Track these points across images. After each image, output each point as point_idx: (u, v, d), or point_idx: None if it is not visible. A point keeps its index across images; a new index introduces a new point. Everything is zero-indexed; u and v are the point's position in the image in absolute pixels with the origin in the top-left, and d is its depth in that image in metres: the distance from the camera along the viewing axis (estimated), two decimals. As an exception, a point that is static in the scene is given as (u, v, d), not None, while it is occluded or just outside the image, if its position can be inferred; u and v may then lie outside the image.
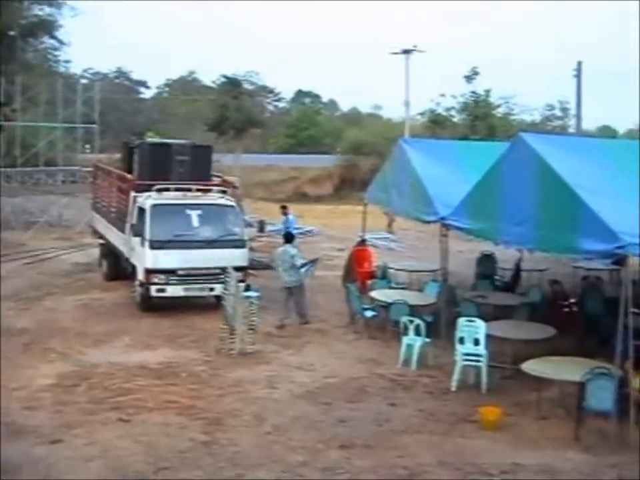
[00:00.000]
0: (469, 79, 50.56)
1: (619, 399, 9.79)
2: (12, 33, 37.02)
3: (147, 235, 16.78)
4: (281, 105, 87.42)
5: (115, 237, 19.83)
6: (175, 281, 16.76)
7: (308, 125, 78.31)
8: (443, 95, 52.37)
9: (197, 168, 19.36)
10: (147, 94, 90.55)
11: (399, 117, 59.01)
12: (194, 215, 17.38)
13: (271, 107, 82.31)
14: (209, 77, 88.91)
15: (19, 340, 14.68)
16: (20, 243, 26.76)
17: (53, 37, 42.37)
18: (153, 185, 17.79)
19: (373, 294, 16.32)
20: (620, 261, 10.06)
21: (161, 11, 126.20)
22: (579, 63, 42.16)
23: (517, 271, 19.51)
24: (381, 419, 10.93)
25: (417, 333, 13.52)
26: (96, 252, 22.61)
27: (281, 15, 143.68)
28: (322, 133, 77.82)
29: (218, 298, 16.18)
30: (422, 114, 55.49)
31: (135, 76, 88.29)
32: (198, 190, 18.07)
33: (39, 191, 35.73)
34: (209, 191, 18.36)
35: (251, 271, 18.52)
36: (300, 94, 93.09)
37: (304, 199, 50.07)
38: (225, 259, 16.36)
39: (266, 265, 22.47)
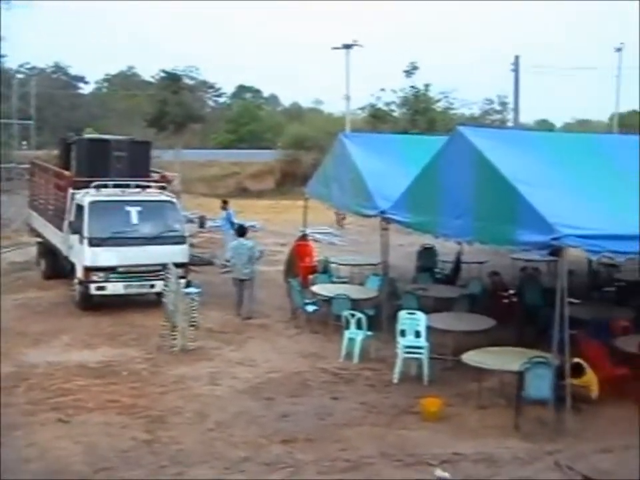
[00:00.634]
0: (408, 73, 50.83)
1: (556, 387, 9.95)
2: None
3: (86, 233, 16.56)
4: (221, 100, 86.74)
5: (53, 235, 19.51)
6: (114, 279, 16.57)
7: (249, 120, 77.80)
8: (383, 90, 52.61)
9: (135, 164, 19.16)
10: (86, 89, 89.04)
11: (340, 111, 59.27)
12: (133, 211, 17.18)
13: (211, 102, 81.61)
14: (149, 72, 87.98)
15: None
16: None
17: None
18: (91, 181, 17.54)
19: (315, 288, 16.35)
20: (556, 252, 10.20)
21: (100, 5, 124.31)
22: (517, 58, 42.88)
23: (457, 263, 19.73)
24: (323, 413, 10.95)
25: (359, 326, 13.59)
26: (33, 250, 22.21)
27: (220, 9, 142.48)
28: (263, 127, 77.42)
29: (159, 295, 16.03)
30: (362, 108, 55.73)
31: (74, 71, 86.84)
32: (137, 186, 17.89)
33: (-26, 189, 34.99)
34: (148, 187, 18.18)
35: (192, 267, 18.44)
36: (241, 89, 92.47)
37: (245, 194, 49.85)
38: (165, 255, 16.24)
39: (207, 261, 22.45)
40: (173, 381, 12.32)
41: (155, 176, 19.99)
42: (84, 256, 16.60)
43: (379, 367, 13.07)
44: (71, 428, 10.27)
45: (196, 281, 16.99)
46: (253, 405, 11.34)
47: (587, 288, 17.24)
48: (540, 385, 10.11)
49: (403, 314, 12.81)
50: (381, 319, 14.43)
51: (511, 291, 16.71)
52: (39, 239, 21.60)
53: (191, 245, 19.55)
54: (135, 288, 16.92)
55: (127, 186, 17.76)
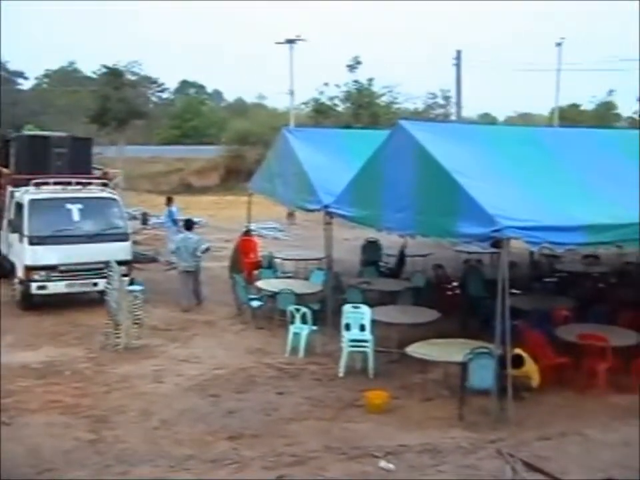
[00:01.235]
0: (351, 68, 51.07)
1: (498, 377, 10.08)
2: None
3: (26, 231, 16.32)
4: (164, 95, 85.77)
5: (-8, 234, 19.18)
6: (56, 278, 16.35)
7: (192, 115, 77.30)
8: (326, 85, 52.75)
9: (76, 161, 18.98)
10: (26, 85, 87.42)
11: (284, 106, 59.29)
12: (74, 209, 16.96)
13: (154, 98, 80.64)
14: (90, 67, 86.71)
15: None
16: None
17: None
18: (31, 179, 17.29)
19: (259, 284, 16.32)
20: (498, 243, 10.32)
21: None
22: (459, 53, 43.24)
23: (401, 256, 19.87)
24: (269, 408, 10.94)
25: (304, 321, 13.60)
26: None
27: (164, 4, 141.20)
28: (207, 123, 77.03)
29: (102, 293, 15.79)
30: (306, 103, 55.73)
31: (12, 66, 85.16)
32: (78, 183, 17.65)
33: None
34: (89, 184, 17.96)
35: (135, 265, 18.31)
36: (184, 84, 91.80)
37: (190, 191, 49.62)
38: (107, 253, 16.05)
39: (151, 258, 22.30)
40: (117, 380, 12.18)
41: (97, 173, 19.79)
42: (24, 255, 16.35)
43: (324, 361, 13.10)
44: (14, 430, 10.06)
45: (139, 278, 16.87)
46: (198, 402, 11.27)
47: (528, 279, 17.51)
48: (483, 375, 10.23)
49: (347, 308, 12.86)
50: (325, 314, 14.47)
51: (455, 283, 16.90)
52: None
53: (134, 242, 19.42)
54: (77, 286, 16.70)
55: (68, 183, 17.51)
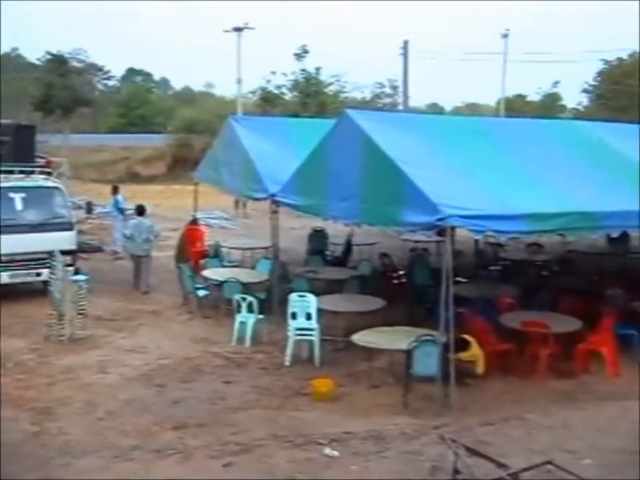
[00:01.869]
0: (299, 57, 51.05)
1: (442, 363, 10.19)
2: None
3: (-34, 221, 15.99)
4: (111, 83, 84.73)
5: None
6: (-2, 268, 16.09)
7: (139, 104, 76.53)
8: (273, 73, 52.64)
9: (20, 149, 18.63)
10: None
11: (232, 95, 58.92)
12: (17, 198, 16.65)
13: (100, 86, 79.65)
14: (34, 54, 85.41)
15: None
16: None
17: None
18: (-28, 167, 16.95)
19: (206, 273, 16.27)
20: (443, 232, 10.41)
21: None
22: (406, 43, 43.50)
23: (348, 245, 19.96)
24: (216, 398, 10.91)
25: (250, 310, 13.58)
26: None
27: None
28: (154, 111, 76.33)
29: (45, 283, 15.62)
30: (253, 92, 55.57)
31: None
32: (21, 172, 17.34)
33: None
34: (32, 172, 17.68)
35: (80, 254, 18.11)
36: (131, 72, 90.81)
37: (136, 180, 49.12)
38: (51, 242, 15.85)
39: (97, 248, 22.07)
40: (61, 371, 12.02)
41: (41, 161, 19.48)
42: (-35, 245, 16.04)
43: (270, 350, 13.10)
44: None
45: (84, 268, 16.67)
46: (144, 392, 11.19)
47: (473, 267, 17.70)
48: (427, 362, 10.33)
49: (293, 296, 12.87)
50: (272, 302, 14.46)
51: (401, 272, 17.01)
52: None
53: (79, 232, 19.17)
54: (21, 277, 16.45)
55: (11, 172, 17.18)
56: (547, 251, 20.54)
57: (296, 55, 51.10)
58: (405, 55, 43.38)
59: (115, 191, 23.40)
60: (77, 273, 15.18)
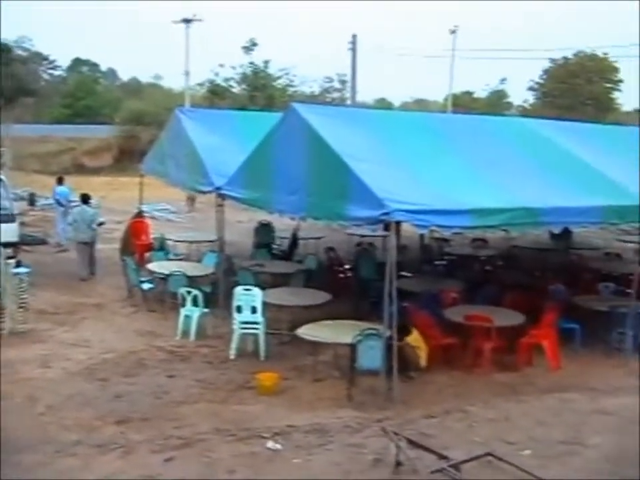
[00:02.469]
0: (247, 50, 50.87)
1: (386, 357, 10.25)
2: None
3: None
4: (56, 73, 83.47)
5: None
6: (-64, 260, 15.73)
7: (85, 94, 75.36)
8: (222, 66, 52.36)
9: (-41, 139, 18.32)
10: None
11: (179, 87, 58.56)
12: (-44, 189, 16.40)
13: (45, 76, 78.43)
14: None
15: None
16: None
17: None
18: None
19: (151, 266, 16.14)
20: (388, 226, 10.46)
21: None
22: (354, 37, 43.61)
23: (294, 239, 19.97)
24: (159, 392, 10.81)
25: (195, 303, 13.52)
26: None
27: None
28: (100, 102, 75.31)
29: (-14, 276, 15.36)
30: (201, 85, 55.26)
31: None
32: (-40, 163, 17.09)
33: None
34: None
35: (23, 247, 17.84)
36: (77, 62, 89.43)
37: (82, 171, 48.48)
38: None
39: (40, 240, 21.75)
40: (1, 366, 11.84)
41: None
42: None
43: (215, 344, 13.05)
44: None
45: (27, 261, 16.41)
46: (86, 386, 11.04)
47: (419, 262, 17.84)
48: (372, 355, 10.38)
49: (239, 290, 12.81)
50: (217, 296, 14.40)
51: (347, 266, 17.09)
52: None
53: (22, 224, 18.90)
54: (-41, 270, 16.13)
55: (-50, 162, 16.92)
56: (492, 246, 20.81)
57: (244, 47, 50.96)
58: (354, 49, 43.51)
59: (60, 181, 23.09)
60: (18, 265, 14.91)
